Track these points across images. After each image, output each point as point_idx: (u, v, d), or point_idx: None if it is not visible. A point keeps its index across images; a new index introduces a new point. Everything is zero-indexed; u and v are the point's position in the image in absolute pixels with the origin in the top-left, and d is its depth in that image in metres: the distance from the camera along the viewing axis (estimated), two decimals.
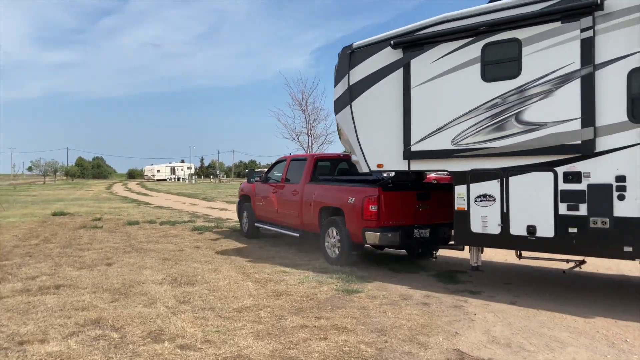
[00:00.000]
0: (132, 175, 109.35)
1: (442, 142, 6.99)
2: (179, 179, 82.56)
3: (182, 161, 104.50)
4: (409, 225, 7.85)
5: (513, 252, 7.07)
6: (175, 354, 4.38)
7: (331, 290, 6.68)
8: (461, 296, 6.43)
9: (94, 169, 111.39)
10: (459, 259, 8.95)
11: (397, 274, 7.81)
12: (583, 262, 6.64)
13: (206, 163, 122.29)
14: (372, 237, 7.72)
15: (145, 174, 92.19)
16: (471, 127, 6.72)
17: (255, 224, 11.55)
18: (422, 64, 7.16)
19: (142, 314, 5.55)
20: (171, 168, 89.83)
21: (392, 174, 8.71)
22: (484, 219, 6.63)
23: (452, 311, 5.75)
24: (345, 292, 6.57)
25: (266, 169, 12.25)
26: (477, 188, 6.69)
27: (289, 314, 5.60)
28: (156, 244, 10.79)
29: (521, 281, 7.27)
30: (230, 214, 18.73)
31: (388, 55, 7.58)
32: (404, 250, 9.36)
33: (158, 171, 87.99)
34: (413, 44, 7.22)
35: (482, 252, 7.16)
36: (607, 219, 5.69)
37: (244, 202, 12.22)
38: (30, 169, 77.07)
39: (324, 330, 5.04)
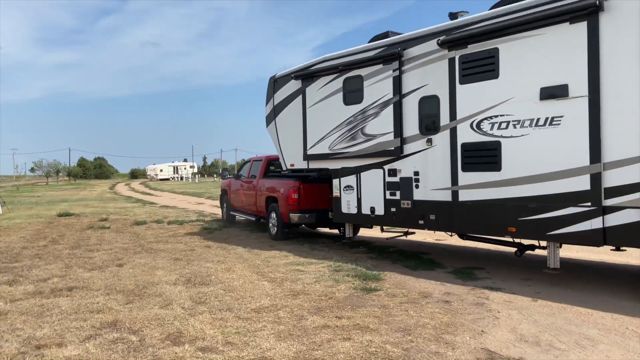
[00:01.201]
0: (135, 175, 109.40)
1: (324, 147, 9.55)
2: (182, 178, 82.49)
3: (185, 160, 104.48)
4: (323, 209, 10.25)
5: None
6: (197, 357, 4.26)
7: (349, 288, 6.56)
8: (482, 293, 6.30)
9: (96, 169, 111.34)
10: (472, 253, 8.84)
11: (413, 271, 7.69)
12: (409, 232, 9.25)
13: (209, 162, 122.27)
14: (295, 218, 10.42)
15: (148, 173, 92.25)
16: (339, 137, 9.23)
17: (231, 213, 14.29)
18: (312, 91, 9.74)
19: (159, 315, 5.44)
20: (174, 167, 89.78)
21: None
22: (348, 202, 9.21)
23: (475, 309, 5.62)
24: (363, 290, 6.45)
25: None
26: (344, 181, 9.27)
27: (308, 313, 5.48)
28: (166, 243, 10.68)
29: (539, 276, 7.13)
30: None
31: (294, 85, 10.21)
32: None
33: (161, 170, 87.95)
34: (307, 76, 9.81)
35: (352, 228, 9.91)
36: (410, 201, 8.09)
37: (224, 195, 14.93)
38: (32, 169, 77.12)
39: (346, 330, 4.92)
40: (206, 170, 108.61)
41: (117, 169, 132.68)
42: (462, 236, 8.07)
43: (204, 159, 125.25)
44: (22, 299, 6.24)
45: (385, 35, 8.72)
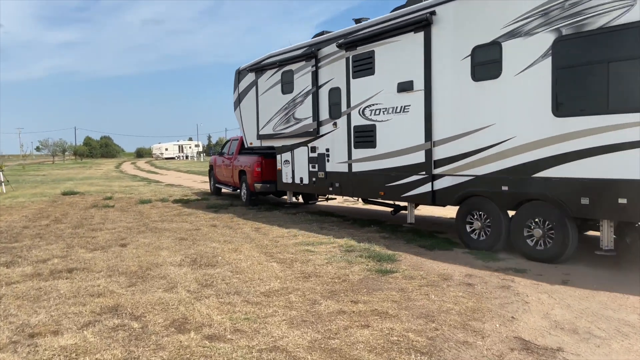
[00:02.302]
0: (141, 154, 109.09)
1: (269, 129, 11.74)
2: (187, 157, 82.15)
3: (190, 139, 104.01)
4: None
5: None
6: (204, 346, 3.91)
7: (363, 270, 6.18)
8: (506, 275, 5.91)
9: (102, 148, 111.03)
10: None
11: (430, 251, 7.30)
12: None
13: (214, 140, 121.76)
14: (259, 187, 12.50)
15: (153, 152, 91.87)
16: (279, 120, 11.38)
17: (216, 185, 16.23)
18: (262, 82, 11.91)
19: (163, 299, 5.09)
20: (179, 146, 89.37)
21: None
22: (286, 174, 11.37)
23: (501, 292, 5.24)
24: (378, 272, 6.08)
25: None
26: (283, 156, 11.41)
27: (322, 297, 5.12)
28: (171, 223, 10.34)
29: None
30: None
31: (251, 77, 12.40)
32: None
33: (166, 149, 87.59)
34: (258, 70, 11.97)
35: (293, 195, 12.13)
36: (324, 172, 10.12)
37: (211, 170, 16.91)
38: (38, 148, 76.86)
39: (363, 316, 4.56)
40: (211, 149, 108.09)
41: (123, 148, 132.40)
42: (365, 201, 10.40)
43: (209, 137, 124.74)
44: (19, 281, 5.91)
45: (321, 34, 10.30)
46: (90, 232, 9.26)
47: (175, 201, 14.46)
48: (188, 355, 3.76)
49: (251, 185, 12.74)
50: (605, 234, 6.13)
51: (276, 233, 8.91)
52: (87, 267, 6.54)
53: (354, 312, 4.67)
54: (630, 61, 5.57)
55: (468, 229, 7.46)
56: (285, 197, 13.40)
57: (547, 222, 6.47)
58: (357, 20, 9.45)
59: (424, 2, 7.82)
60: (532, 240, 6.66)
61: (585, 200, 5.98)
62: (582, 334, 4.11)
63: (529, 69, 6.47)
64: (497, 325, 4.30)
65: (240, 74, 12.88)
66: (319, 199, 13.14)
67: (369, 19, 9.18)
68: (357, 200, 10.80)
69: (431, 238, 8.24)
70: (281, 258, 6.92)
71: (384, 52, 8.49)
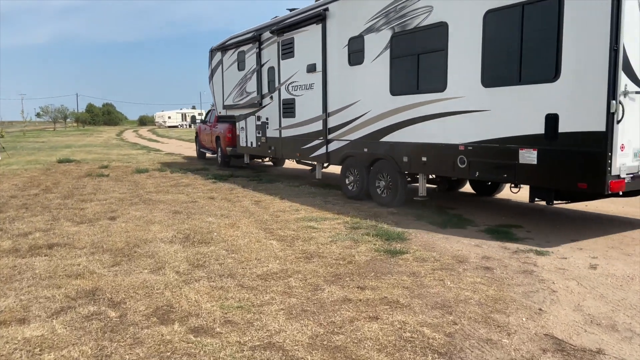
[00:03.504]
0: (144, 121, 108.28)
1: (231, 100, 13.60)
2: (190, 125, 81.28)
3: (193, 107, 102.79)
4: None
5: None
6: (188, 342, 3.40)
7: (370, 250, 5.65)
8: (527, 257, 5.37)
9: (104, 116, 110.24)
10: (502, 206, 7.87)
11: (442, 229, 6.75)
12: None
13: None
14: (229, 151, 14.42)
15: (156, 120, 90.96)
16: (236, 93, 13.18)
17: (201, 150, 17.93)
18: (226, 60, 13.66)
19: (148, 282, 4.58)
20: (182, 114, 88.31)
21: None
22: (242, 139, 13.11)
23: (524, 278, 4.70)
24: (387, 253, 5.54)
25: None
26: (240, 124, 13.16)
27: (325, 282, 4.60)
28: (166, 194, 9.81)
29: (585, 233, 6.17)
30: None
31: (219, 55, 14.08)
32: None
33: (169, 117, 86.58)
34: (223, 49, 13.72)
35: (249, 157, 14.00)
36: (265, 138, 11.77)
37: (196, 136, 18.67)
38: (39, 115, 76.11)
39: (372, 305, 4.04)
40: (195, 118, 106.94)
41: (126, 115, 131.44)
42: (298, 162, 12.06)
43: (212, 105, 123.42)
44: None
45: (293, 9, 10.95)
46: (80, 203, 8.75)
47: (173, 171, 13.91)
48: (168, 353, 3.25)
49: (224, 149, 14.71)
50: (420, 184, 8.05)
51: (277, 207, 8.37)
52: (70, 243, 6.03)
53: (360, 300, 4.15)
54: (431, 53, 7.21)
55: (347, 182, 9.32)
56: (258, 160, 15.25)
57: (387, 176, 8.35)
58: (291, 10, 10.73)
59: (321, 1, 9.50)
60: (379, 190, 8.56)
61: (405, 159, 7.83)
62: (623, 331, 3.58)
63: (377, 58, 8.15)
64: (524, 319, 3.77)
65: (212, 53, 14.60)
66: (264, 161, 15.61)
67: (298, 8, 10.51)
68: (293, 161, 12.47)
69: (442, 214, 7.68)
70: (281, 235, 6.39)
71: (300, 39, 10.18)
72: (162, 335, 3.50)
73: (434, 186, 8.97)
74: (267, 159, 14.42)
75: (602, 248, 5.73)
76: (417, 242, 6.06)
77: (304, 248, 5.76)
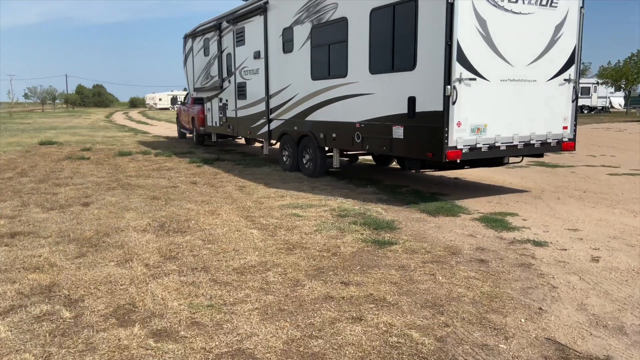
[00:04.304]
0: (135, 104, 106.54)
1: (199, 83, 14.70)
2: (172, 107, 79.94)
3: (185, 89, 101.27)
4: None
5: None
6: (147, 348, 3.02)
7: (357, 241, 5.28)
8: (524, 249, 5.02)
9: (95, 97, 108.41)
10: (497, 191, 7.52)
11: (433, 217, 6.38)
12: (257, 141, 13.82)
13: None
14: (202, 130, 15.44)
15: (147, 102, 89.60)
16: (203, 76, 14.25)
17: (181, 130, 19.16)
18: (195, 46, 14.65)
19: (112, 277, 4.19)
20: (173, 96, 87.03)
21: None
22: (209, 119, 14.26)
23: (521, 272, 4.35)
24: (375, 243, 5.17)
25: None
26: (207, 105, 14.34)
27: (306, 276, 4.22)
28: (147, 178, 9.37)
29: (584, 222, 5.84)
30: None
31: (190, 41, 15.14)
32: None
33: (160, 99, 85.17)
34: (193, 36, 14.81)
35: (216, 136, 15.07)
36: (225, 118, 12.96)
37: (178, 117, 19.60)
38: (26, 96, 74.60)
39: (355, 304, 3.67)
40: (175, 100, 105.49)
41: (117, 97, 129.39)
42: (249, 139, 15.00)
43: (185, 89, 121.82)
44: None
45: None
46: (54, 188, 8.29)
47: (158, 154, 13.43)
48: None
49: (197, 129, 16.02)
50: (335, 157, 9.21)
51: (262, 193, 7.97)
52: (35, 231, 5.61)
53: (343, 298, 3.78)
54: (337, 44, 8.36)
55: (283, 157, 10.47)
56: (234, 139, 16.49)
57: (310, 150, 9.49)
58: (245, 2, 11.59)
59: None
60: (305, 163, 9.74)
61: (322, 135, 9.02)
62: (632, 334, 3.24)
63: (302, 46, 9.32)
64: (523, 321, 3.42)
65: (185, 39, 15.69)
66: (235, 139, 16.64)
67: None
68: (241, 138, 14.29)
69: (434, 200, 7.32)
70: (263, 224, 6.00)
71: (249, 28, 11.26)
72: (119, 339, 3.12)
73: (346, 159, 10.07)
74: (241, 137, 14.56)
75: (603, 239, 5.39)
76: (407, 231, 5.70)
77: (287, 238, 5.38)
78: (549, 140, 7.41)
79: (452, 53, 6.31)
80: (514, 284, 4.10)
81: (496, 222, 6.07)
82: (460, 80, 6.41)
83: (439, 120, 6.48)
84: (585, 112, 42.60)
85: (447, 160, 6.52)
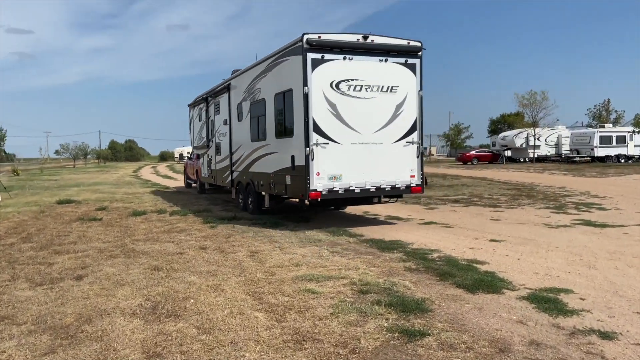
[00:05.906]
0: (164, 157, 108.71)
1: (196, 142, 18.35)
2: (181, 160, 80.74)
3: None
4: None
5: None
6: None
7: (381, 330, 4.37)
8: (589, 344, 4.03)
9: (126, 152, 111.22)
10: (534, 255, 6.51)
11: (472, 295, 5.43)
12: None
13: None
14: (201, 179, 18.88)
15: (175, 155, 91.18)
16: (198, 137, 17.82)
17: (187, 181, 22.63)
18: (194, 113, 18.51)
19: None
20: (180, 153, 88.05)
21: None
22: (203, 171, 17.93)
23: None
24: (402, 333, 4.26)
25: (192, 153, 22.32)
26: (201, 160, 18.24)
27: None
28: (154, 243, 8.69)
29: None
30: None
31: (191, 109, 19.12)
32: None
33: (188, 152, 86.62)
34: (193, 105, 18.62)
35: (209, 185, 18.36)
36: (210, 170, 16.60)
37: (185, 170, 23.43)
38: (57, 152, 76.63)
39: None
40: (183, 156, 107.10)
41: (148, 151, 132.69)
42: (221, 187, 16.15)
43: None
44: None
45: (236, 71, 13.68)
46: (52, 256, 7.67)
47: (173, 212, 12.85)
48: None
49: (200, 180, 19.03)
50: (266, 199, 11.60)
51: (275, 260, 7.16)
52: (11, 316, 4.90)
53: None
54: (262, 116, 11.34)
55: (239, 199, 13.37)
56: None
57: (251, 194, 12.26)
58: (235, 71, 13.75)
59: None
60: (249, 204, 12.44)
61: (256, 183, 11.77)
62: None
63: (246, 117, 12.41)
64: None
65: (189, 107, 19.31)
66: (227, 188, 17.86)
67: (240, 69, 13.19)
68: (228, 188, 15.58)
69: (470, 271, 6.37)
70: (272, 303, 5.16)
71: (221, 102, 14.52)
72: None
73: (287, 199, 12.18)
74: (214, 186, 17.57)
75: None
76: (441, 315, 4.77)
77: (296, 325, 4.51)
78: (398, 185, 9.92)
79: (309, 126, 9.16)
80: None
81: (549, 302, 5.09)
82: (316, 144, 9.23)
83: (305, 171, 9.26)
84: (622, 161, 40.93)
85: (309, 199, 9.34)
